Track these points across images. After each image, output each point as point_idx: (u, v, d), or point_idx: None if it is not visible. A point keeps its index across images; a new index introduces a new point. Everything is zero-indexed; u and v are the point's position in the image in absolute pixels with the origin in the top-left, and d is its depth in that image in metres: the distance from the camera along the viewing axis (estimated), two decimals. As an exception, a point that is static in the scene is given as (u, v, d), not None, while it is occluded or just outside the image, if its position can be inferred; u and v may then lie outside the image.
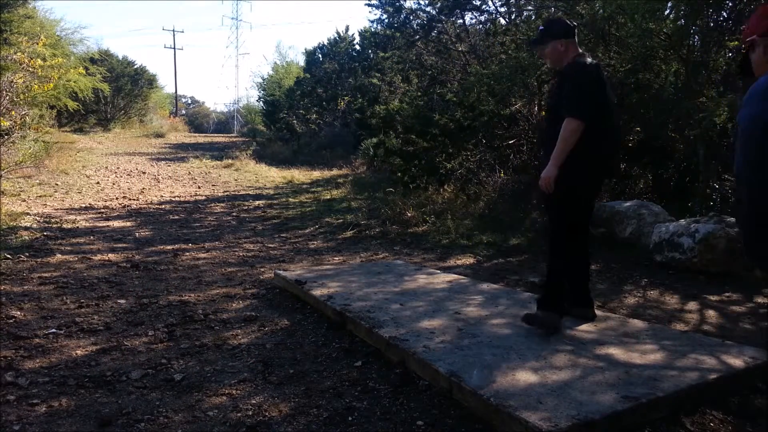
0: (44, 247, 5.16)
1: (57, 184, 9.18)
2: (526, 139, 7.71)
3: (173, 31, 43.33)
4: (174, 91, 41.38)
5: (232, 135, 30.08)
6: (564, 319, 2.86)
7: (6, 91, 8.30)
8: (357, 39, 19.43)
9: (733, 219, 4.31)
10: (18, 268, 4.41)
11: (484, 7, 9.34)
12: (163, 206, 7.98)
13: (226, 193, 9.52)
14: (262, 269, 4.61)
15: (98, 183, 9.81)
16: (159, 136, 22.15)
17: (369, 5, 10.60)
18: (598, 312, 3.26)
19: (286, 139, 17.67)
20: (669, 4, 5.78)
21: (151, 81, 25.49)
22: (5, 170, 8.22)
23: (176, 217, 7.21)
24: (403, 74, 11.70)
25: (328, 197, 8.82)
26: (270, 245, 5.66)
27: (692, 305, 3.62)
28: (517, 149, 7.78)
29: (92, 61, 19.00)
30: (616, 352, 2.53)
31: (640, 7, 5.42)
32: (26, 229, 5.86)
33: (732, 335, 2.98)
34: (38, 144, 10.19)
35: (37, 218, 6.49)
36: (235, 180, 11.21)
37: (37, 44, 10.44)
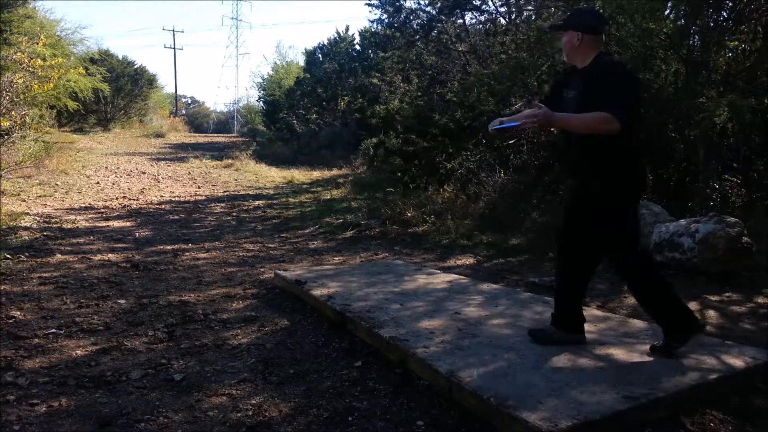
0: (44, 247, 5.16)
1: (57, 184, 9.18)
2: (526, 139, 7.71)
3: (173, 31, 43.36)
4: (174, 91, 41.42)
5: (232, 135, 30.09)
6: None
7: (6, 91, 8.30)
8: (357, 39, 19.45)
9: (733, 219, 4.30)
10: (18, 268, 4.41)
11: (484, 7, 9.34)
12: (163, 206, 7.98)
13: (226, 193, 9.52)
14: (262, 269, 4.61)
15: (98, 183, 9.81)
16: (159, 136, 22.17)
17: (369, 5, 10.62)
18: (598, 312, 3.26)
19: (286, 139, 17.68)
20: (669, 4, 5.78)
21: (151, 81, 25.50)
22: (5, 170, 8.22)
23: (176, 217, 7.21)
24: (403, 74, 11.71)
25: (328, 197, 8.82)
26: (270, 245, 5.65)
27: (692, 305, 3.60)
28: (517, 149, 7.77)
29: (92, 61, 19.00)
30: (616, 352, 2.53)
31: (640, 7, 5.42)
32: (26, 229, 5.86)
33: (732, 335, 2.98)
34: (38, 144, 10.19)
35: (37, 218, 6.49)
36: (235, 180, 11.21)
37: (37, 44, 10.42)
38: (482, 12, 9.47)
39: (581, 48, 2.51)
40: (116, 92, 21.92)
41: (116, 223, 6.59)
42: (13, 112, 8.46)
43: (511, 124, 2.51)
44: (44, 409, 2.22)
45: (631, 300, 3.75)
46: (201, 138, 25.00)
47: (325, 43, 20.33)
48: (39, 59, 9.56)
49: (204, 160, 14.00)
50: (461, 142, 7.73)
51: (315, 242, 5.87)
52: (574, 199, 2.60)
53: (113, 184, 9.91)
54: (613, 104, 2.31)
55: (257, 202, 8.52)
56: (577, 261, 2.61)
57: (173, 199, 8.72)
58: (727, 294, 3.83)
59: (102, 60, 20.89)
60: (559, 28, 2.67)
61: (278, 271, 4.16)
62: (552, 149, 7.13)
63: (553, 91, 2.80)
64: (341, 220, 6.79)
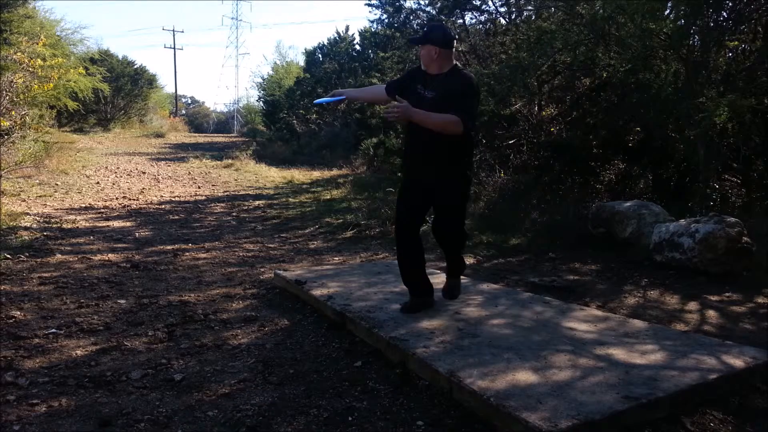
0: (44, 247, 5.16)
1: (57, 184, 9.18)
2: (526, 139, 7.71)
3: (173, 31, 43.39)
4: (174, 91, 41.44)
5: (232, 135, 30.09)
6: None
7: (6, 91, 8.30)
8: (357, 39, 19.47)
9: (733, 219, 4.30)
10: (18, 268, 4.41)
11: (484, 7, 9.34)
12: (163, 206, 7.97)
13: (226, 193, 9.52)
14: (262, 269, 4.61)
15: (98, 183, 9.81)
16: (159, 136, 22.17)
17: (369, 5, 10.62)
18: (598, 312, 3.26)
19: (286, 139, 17.68)
20: (669, 4, 5.78)
21: (151, 81, 25.52)
22: (5, 170, 8.22)
23: (176, 217, 7.21)
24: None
25: (328, 197, 8.82)
26: (270, 245, 5.65)
27: (692, 305, 3.62)
28: (517, 149, 7.78)
29: (92, 61, 19.02)
30: (616, 352, 2.53)
31: (640, 7, 5.42)
32: (26, 229, 5.86)
33: (732, 335, 2.98)
34: (38, 144, 10.19)
35: (37, 218, 6.49)
36: (235, 180, 11.21)
37: (37, 44, 10.43)
38: (482, 12, 9.47)
39: (438, 59, 2.95)
40: (116, 92, 21.93)
41: (116, 223, 6.59)
42: (13, 112, 8.47)
43: (332, 99, 3.20)
44: (44, 409, 2.22)
45: (631, 300, 3.75)
46: (201, 138, 25.01)
47: (325, 43, 20.36)
48: (39, 59, 9.57)
49: (204, 160, 13.99)
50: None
51: (315, 242, 5.87)
52: (427, 191, 3.04)
53: (113, 184, 9.91)
54: (463, 111, 2.79)
55: (257, 202, 8.52)
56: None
57: (173, 199, 8.72)
58: (727, 294, 3.83)
59: (102, 60, 20.91)
60: (418, 42, 3.05)
61: (278, 271, 4.16)
62: (552, 149, 7.14)
63: (404, 81, 3.15)
64: (341, 220, 6.79)
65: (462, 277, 4.18)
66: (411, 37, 3.32)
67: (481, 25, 9.79)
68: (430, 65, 2.98)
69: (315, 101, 3.42)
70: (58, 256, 4.88)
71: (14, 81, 8.48)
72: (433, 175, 2.98)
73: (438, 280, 3.99)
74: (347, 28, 25.60)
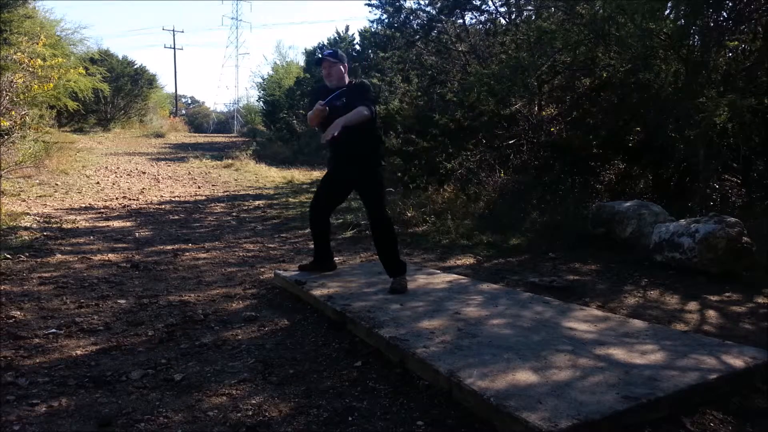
0: (44, 247, 5.16)
1: (57, 184, 9.18)
2: (526, 139, 7.71)
3: (173, 31, 43.42)
4: (174, 91, 41.45)
5: (232, 135, 30.10)
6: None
7: (6, 91, 8.29)
8: (357, 39, 19.46)
9: (733, 219, 4.30)
10: (18, 268, 4.41)
11: (484, 7, 9.33)
12: (163, 206, 7.98)
13: (226, 193, 9.52)
14: (262, 269, 4.61)
15: (98, 183, 9.81)
16: (159, 136, 22.19)
17: (369, 5, 10.60)
18: (598, 312, 3.26)
19: (286, 139, 17.68)
20: (669, 4, 5.78)
21: (151, 81, 25.51)
22: (5, 170, 8.22)
23: (176, 217, 7.21)
24: (403, 74, 11.69)
25: (328, 197, 8.81)
26: (270, 245, 5.65)
27: (692, 305, 3.62)
28: (517, 149, 7.78)
29: (92, 61, 19.02)
30: (616, 352, 2.53)
31: (640, 7, 5.42)
32: (26, 229, 5.86)
33: (732, 335, 2.98)
34: (38, 144, 10.19)
35: (37, 218, 6.49)
36: (235, 180, 11.21)
37: (37, 44, 10.43)
38: (482, 12, 9.46)
39: (344, 75, 3.76)
40: (116, 92, 21.93)
41: (116, 223, 6.59)
42: (13, 112, 8.46)
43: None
44: (44, 409, 2.22)
45: (631, 300, 3.75)
46: (201, 138, 25.01)
47: (325, 43, 20.34)
48: (39, 59, 9.57)
49: (204, 160, 14.00)
50: (461, 142, 7.73)
51: (315, 242, 5.86)
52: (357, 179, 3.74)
53: (113, 184, 9.91)
54: (368, 105, 3.55)
55: (257, 202, 8.52)
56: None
57: (173, 199, 8.72)
58: (727, 294, 3.83)
59: (102, 60, 20.91)
60: (337, 60, 3.75)
61: (278, 271, 4.16)
62: (552, 149, 7.14)
63: (319, 97, 3.74)
64: (341, 220, 6.78)
65: (462, 277, 4.19)
66: (320, 58, 3.89)
67: (481, 25, 9.79)
68: (341, 79, 3.73)
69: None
70: (58, 256, 4.88)
71: (14, 81, 8.48)
72: (357, 168, 3.67)
73: (437, 279, 4.00)
74: (347, 28, 25.55)
